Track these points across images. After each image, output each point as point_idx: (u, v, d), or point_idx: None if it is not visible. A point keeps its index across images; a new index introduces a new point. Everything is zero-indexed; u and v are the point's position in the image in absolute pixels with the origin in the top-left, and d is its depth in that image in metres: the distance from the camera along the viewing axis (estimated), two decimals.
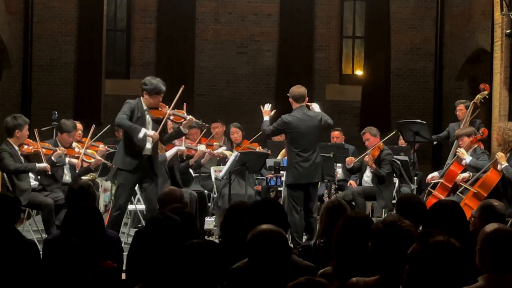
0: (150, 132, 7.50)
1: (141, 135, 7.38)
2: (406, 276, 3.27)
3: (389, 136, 10.12)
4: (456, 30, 14.84)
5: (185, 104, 8.03)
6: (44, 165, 7.99)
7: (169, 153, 8.91)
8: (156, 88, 7.51)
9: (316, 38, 15.10)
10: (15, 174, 7.93)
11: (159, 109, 7.59)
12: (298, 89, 8.10)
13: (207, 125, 8.81)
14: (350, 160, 9.78)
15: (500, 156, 8.14)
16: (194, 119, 7.76)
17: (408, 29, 15.08)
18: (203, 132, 9.79)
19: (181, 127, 7.70)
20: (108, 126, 8.96)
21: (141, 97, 7.60)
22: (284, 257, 3.76)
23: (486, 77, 12.35)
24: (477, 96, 9.90)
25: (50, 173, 8.10)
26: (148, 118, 7.58)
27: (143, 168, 7.57)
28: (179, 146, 9.07)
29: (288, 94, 8.15)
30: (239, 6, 14.99)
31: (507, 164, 8.07)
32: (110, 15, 15.19)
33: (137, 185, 7.88)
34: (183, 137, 9.10)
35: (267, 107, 8.33)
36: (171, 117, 7.63)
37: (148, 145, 7.54)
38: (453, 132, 10.00)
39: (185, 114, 7.71)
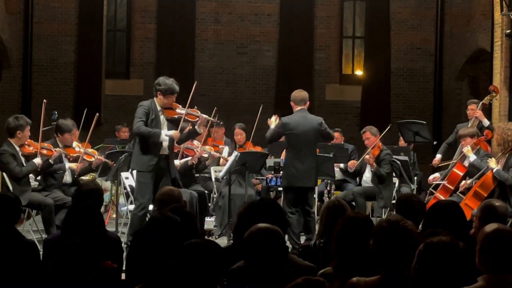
0: (169, 132, 7.54)
1: (161, 139, 7.46)
2: (413, 275, 3.29)
3: (384, 131, 9.94)
4: (456, 30, 14.85)
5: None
6: (38, 160, 7.96)
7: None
8: (170, 88, 7.54)
9: (316, 38, 15.11)
10: (24, 178, 7.91)
11: (173, 109, 7.62)
12: (299, 93, 8.14)
13: (221, 122, 8.88)
14: (353, 164, 9.77)
15: (491, 160, 8.14)
16: (208, 117, 7.79)
17: (408, 29, 15.09)
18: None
19: (196, 126, 7.71)
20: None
21: (155, 98, 7.61)
22: (281, 254, 3.76)
23: (486, 77, 12.37)
24: (486, 97, 9.87)
25: (39, 169, 8.07)
26: (162, 118, 7.60)
27: (160, 168, 7.57)
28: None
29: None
30: (239, 6, 15.00)
31: (498, 168, 8.05)
32: (110, 15, 15.21)
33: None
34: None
35: (273, 118, 8.37)
36: (186, 116, 7.65)
37: (165, 144, 7.57)
38: None
39: (199, 113, 7.72)
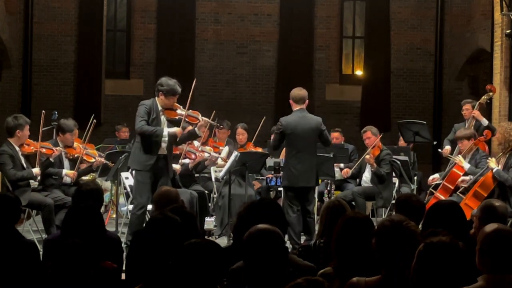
0: (172, 129, 7.54)
1: (164, 136, 7.47)
2: (412, 275, 3.29)
3: (379, 137, 9.90)
4: (456, 30, 14.85)
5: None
6: (37, 170, 7.97)
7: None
8: (173, 89, 7.56)
9: (316, 38, 15.10)
10: (17, 182, 7.91)
11: (174, 110, 7.62)
12: (299, 91, 8.10)
13: (221, 126, 8.87)
14: (346, 172, 9.76)
15: (491, 160, 8.13)
16: (209, 120, 7.79)
17: (408, 29, 15.09)
18: (213, 132, 9.86)
19: (196, 129, 7.72)
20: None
21: (156, 97, 7.62)
22: (280, 256, 3.76)
23: (486, 77, 12.36)
24: (483, 97, 9.84)
25: (38, 178, 8.09)
26: (163, 118, 7.61)
27: (158, 168, 7.57)
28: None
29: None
30: (239, 6, 15.00)
31: (498, 168, 8.04)
32: (110, 15, 15.21)
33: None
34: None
35: None
36: (186, 118, 7.65)
37: (163, 144, 7.57)
38: None
39: (200, 115, 7.72)
